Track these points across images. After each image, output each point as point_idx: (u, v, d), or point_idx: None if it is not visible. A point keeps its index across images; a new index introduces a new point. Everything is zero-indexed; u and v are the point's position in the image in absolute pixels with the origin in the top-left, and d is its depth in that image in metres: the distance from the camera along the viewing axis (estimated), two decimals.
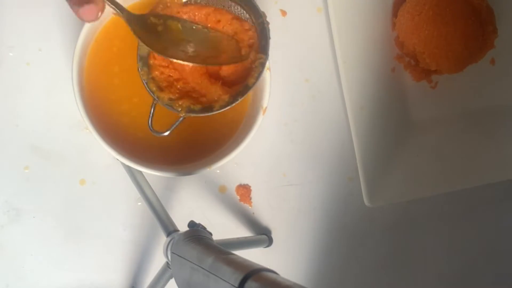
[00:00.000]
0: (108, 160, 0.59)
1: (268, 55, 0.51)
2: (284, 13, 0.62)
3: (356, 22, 0.61)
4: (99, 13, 0.42)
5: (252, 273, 0.38)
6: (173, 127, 0.51)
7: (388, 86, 0.62)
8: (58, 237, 0.59)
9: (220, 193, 0.62)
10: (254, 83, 0.51)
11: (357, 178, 0.62)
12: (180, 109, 0.51)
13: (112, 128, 0.54)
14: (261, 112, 0.55)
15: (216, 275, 0.40)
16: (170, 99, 0.51)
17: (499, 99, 0.64)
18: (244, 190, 0.62)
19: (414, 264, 0.65)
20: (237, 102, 0.51)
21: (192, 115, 0.51)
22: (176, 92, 0.52)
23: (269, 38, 0.51)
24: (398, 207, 0.64)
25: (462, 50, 0.59)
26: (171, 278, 0.53)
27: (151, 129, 0.51)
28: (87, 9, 0.41)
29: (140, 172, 0.56)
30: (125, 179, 0.58)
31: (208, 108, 0.51)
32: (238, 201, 0.62)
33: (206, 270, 0.41)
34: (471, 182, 0.63)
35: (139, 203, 0.60)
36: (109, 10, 0.53)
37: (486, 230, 0.66)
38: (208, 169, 0.54)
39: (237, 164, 0.62)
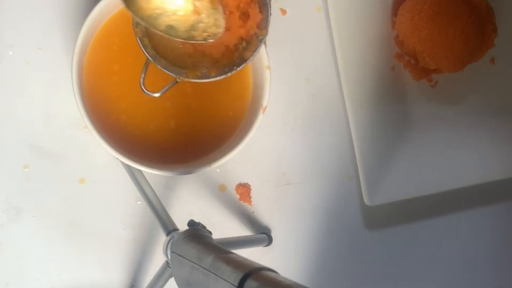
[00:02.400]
0: (107, 159, 0.59)
1: (268, 31, 0.51)
2: (284, 12, 0.62)
3: (356, 21, 0.61)
4: None
5: (251, 272, 0.38)
6: (165, 89, 0.51)
7: (387, 85, 0.62)
8: (57, 236, 0.59)
9: (220, 192, 0.62)
10: (250, 57, 0.51)
11: (357, 177, 0.62)
12: (174, 72, 0.51)
13: (111, 127, 0.54)
14: (260, 111, 0.54)
15: (215, 274, 0.40)
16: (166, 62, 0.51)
17: (499, 98, 0.64)
18: (244, 189, 0.62)
19: (414, 263, 0.65)
20: (230, 74, 0.51)
21: (187, 80, 0.51)
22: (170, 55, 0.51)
23: (270, 14, 0.51)
24: (398, 206, 0.63)
25: (462, 49, 0.59)
26: (171, 277, 0.53)
27: (143, 89, 0.51)
28: None
29: (140, 171, 0.56)
30: (124, 178, 0.58)
31: (203, 75, 0.51)
32: (238, 200, 0.62)
33: (205, 269, 0.41)
34: (471, 180, 0.63)
35: (139, 202, 0.60)
36: (109, 9, 0.53)
37: (487, 229, 0.66)
38: (208, 168, 0.54)
39: (237, 163, 0.61)
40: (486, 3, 0.61)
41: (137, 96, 0.55)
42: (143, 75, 0.51)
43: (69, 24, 0.59)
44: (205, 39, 0.50)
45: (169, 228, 0.52)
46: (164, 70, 0.51)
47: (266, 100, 0.55)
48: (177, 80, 0.51)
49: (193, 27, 0.50)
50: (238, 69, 0.51)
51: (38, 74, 0.59)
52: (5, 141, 0.58)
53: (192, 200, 0.61)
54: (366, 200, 0.61)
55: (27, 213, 0.59)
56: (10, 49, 0.58)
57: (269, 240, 0.62)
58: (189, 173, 0.54)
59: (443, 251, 0.66)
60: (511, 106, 0.64)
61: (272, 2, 0.61)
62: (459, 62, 0.60)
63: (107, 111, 0.54)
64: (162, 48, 0.51)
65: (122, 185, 0.59)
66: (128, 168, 0.57)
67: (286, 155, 0.63)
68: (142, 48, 0.51)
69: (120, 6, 0.54)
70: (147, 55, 0.51)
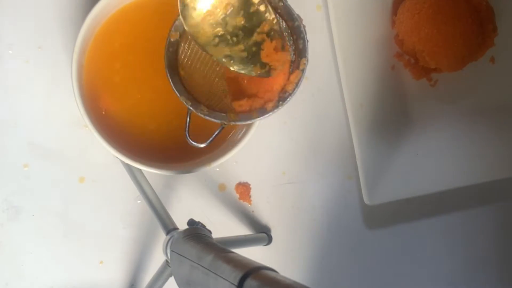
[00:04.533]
0: (107, 158, 0.59)
1: (308, 59, 0.49)
2: None
3: (355, 20, 0.61)
4: None
5: (251, 271, 0.38)
6: (213, 137, 0.49)
7: (387, 84, 0.62)
8: (57, 235, 0.59)
9: (220, 191, 0.62)
10: (295, 89, 0.49)
11: (357, 176, 0.62)
12: (219, 119, 0.48)
13: (111, 126, 0.54)
14: None
15: (215, 273, 0.40)
16: (207, 109, 0.49)
17: (499, 97, 0.64)
18: (244, 188, 0.62)
19: (414, 262, 0.65)
20: (278, 109, 0.49)
21: (233, 123, 0.49)
22: (212, 101, 0.49)
23: (307, 41, 0.49)
24: (398, 205, 0.63)
25: (462, 48, 0.59)
26: (171, 276, 0.53)
27: (189, 140, 0.49)
28: None
29: (140, 170, 0.56)
30: (124, 177, 0.58)
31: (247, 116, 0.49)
32: (238, 199, 0.62)
33: (205, 268, 0.41)
34: (470, 180, 0.63)
35: (139, 201, 0.60)
36: (110, 8, 0.53)
37: (487, 229, 0.66)
38: (208, 167, 0.54)
39: (237, 162, 0.61)
40: (486, 2, 0.61)
41: (137, 94, 0.54)
42: (187, 126, 0.49)
43: (69, 23, 0.58)
44: (262, 73, 0.48)
45: (169, 227, 0.52)
46: (207, 118, 0.48)
47: None
48: (223, 125, 0.49)
49: (252, 60, 0.48)
50: (284, 104, 0.48)
51: (37, 73, 0.59)
52: (5, 140, 0.58)
53: (191, 199, 0.61)
54: (366, 199, 0.61)
55: (27, 212, 0.59)
56: (10, 48, 0.58)
57: (268, 239, 0.62)
58: (189, 172, 0.54)
59: (442, 250, 0.66)
60: (511, 106, 0.64)
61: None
62: (459, 61, 0.60)
63: (107, 110, 0.54)
64: (198, 93, 0.49)
65: (121, 184, 0.59)
66: (128, 167, 0.57)
67: (286, 154, 0.63)
68: (182, 99, 0.48)
69: (121, 5, 0.54)
70: (188, 106, 0.48)
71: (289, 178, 0.63)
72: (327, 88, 0.63)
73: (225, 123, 0.48)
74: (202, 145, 0.49)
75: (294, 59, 0.49)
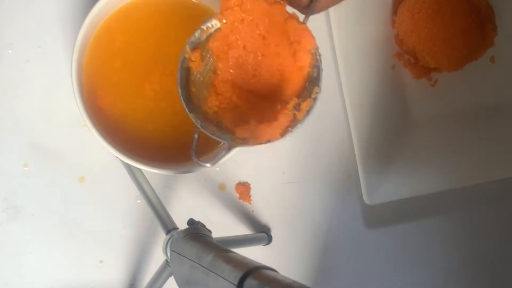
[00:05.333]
0: (107, 158, 0.59)
1: (321, 87, 0.47)
2: None
3: (355, 20, 0.61)
4: None
5: (251, 270, 0.38)
6: (220, 158, 0.47)
7: (387, 83, 0.62)
8: (57, 235, 0.59)
9: (220, 191, 0.62)
10: (305, 117, 0.47)
11: (357, 176, 0.62)
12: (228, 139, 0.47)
13: (111, 126, 0.54)
14: None
15: (215, 273, 0.40)
16: (217, 127, 0.47)
17: (499, 97, 0.64)
18: (244, 188, 0.62)
19: (414, 262, 0.65)
20: (288, 135, 0.47)
21: (241, 146, 0.47)
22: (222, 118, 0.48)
23: (322, 70, 0.47)
24: (398, 204, 0.63)
25: (462, 48, 0.59)
26: (171, 276, 0.53)
27: (195, 159, 0.47)
28: None
29: (140, 169, 0.56)
30: (124, 177, 0.58)
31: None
32: (238, 199, 0.62)
33: (205, 267, 0.41)
34: (470, 180, 0.63)
35: (139, 201, 0.60)
36: (109, 8, 0.53)
37: (487, 228, 0.66)
38: (208, 166, 0.53)
39: (237, 162, 0.61)
40: (486, 2, 0.61)
41: (137, 93, 0.54)
42: (194, 145, 0.47)
43: (69, 23, 0.59)
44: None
45: (169, 227, 0.52)
46: (216, 138, 0.47)
47: None
48: (231, 147, 0.47)
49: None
50: (294, 131, 0.47)
51: (37, 72, 0.59)
52: (5, 139, 0.58)
53: (191, 199, 0.61)
54: (366, 199, 0.61)
55: (27, 212, 0.59)
56: (10, 47, 0.58)
57: (268, 239, 0.62)
58: (189, 172, 0.54)
59: (442, 250, 0.66)
60: (511, 105, 0.64)
61: None
62: (458, 61, 0.60)
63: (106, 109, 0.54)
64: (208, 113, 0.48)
65: (121, 184, 0.59)
66: (128, 167, 0.57)
67: (286, 154, 0.63)
68: (191, 117, 0.46)
69: (120, 4, 0.54)
70: (198, 125, 0.47)
71: (289, 178, 0.63)
72: (327, 88, 0.63)
73: (233, 144, 0.47)
74: (208, 165, 0.48)
75: (307, 86, 0.48)
